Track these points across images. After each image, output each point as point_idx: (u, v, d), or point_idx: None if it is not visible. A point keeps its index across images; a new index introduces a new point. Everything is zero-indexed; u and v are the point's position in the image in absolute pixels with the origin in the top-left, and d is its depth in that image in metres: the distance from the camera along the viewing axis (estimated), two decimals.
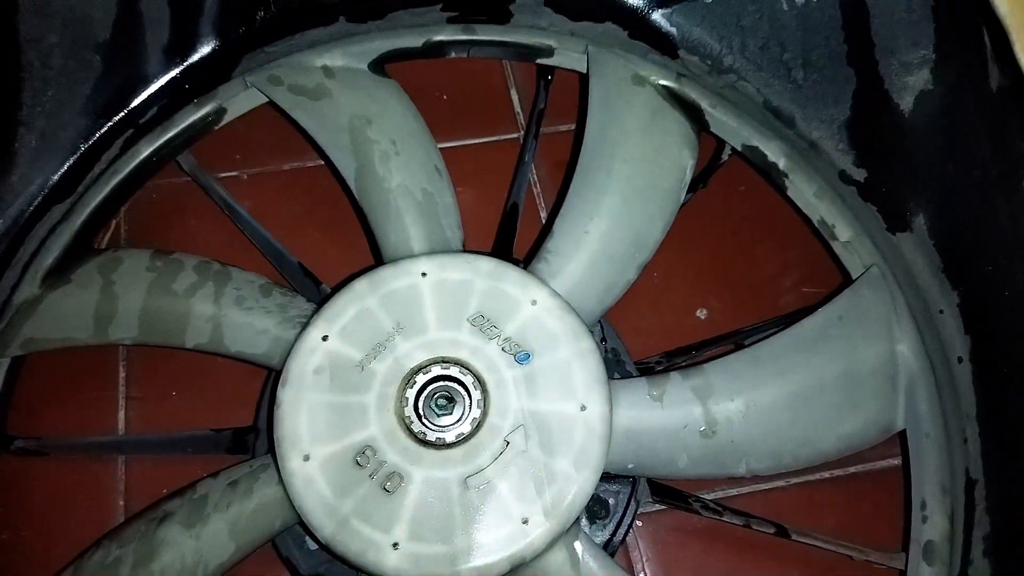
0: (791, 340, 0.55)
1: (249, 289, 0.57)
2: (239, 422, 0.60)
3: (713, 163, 0.68)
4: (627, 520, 0.56)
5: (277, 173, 0.74)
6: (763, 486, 0.61)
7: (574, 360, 0.51)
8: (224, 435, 0.59)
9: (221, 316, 0.56)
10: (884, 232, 0.57)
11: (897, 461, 0.60)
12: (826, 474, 0.61)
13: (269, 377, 0.58)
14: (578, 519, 0.49)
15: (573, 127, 0.74)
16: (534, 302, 0.52)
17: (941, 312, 0.54)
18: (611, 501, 0.56)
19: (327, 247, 0.69)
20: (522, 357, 0.51)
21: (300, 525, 0.50)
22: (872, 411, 0.54)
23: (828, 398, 0.53)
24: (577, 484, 0.48)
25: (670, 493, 0.58)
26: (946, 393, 0.54)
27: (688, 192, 0.62)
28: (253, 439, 0.58)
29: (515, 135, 0.76)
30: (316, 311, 0.53)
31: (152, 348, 0.64)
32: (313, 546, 0.54)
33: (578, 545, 0.49)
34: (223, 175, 0.71)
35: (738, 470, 0.53)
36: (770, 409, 0.53)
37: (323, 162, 0.72)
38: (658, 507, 0.60)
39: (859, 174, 0.58)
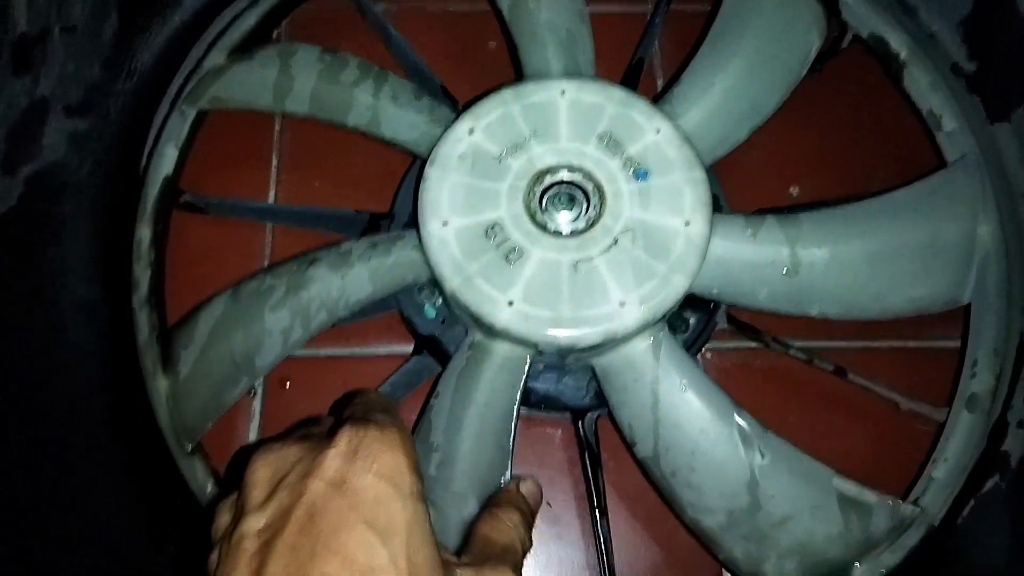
0: (883, 204, 0.60)
1: (403, 90, 0.65)
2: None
3: (831, 51, 0.72)
4: (702, 339, 0.63)
5: (421, 12, 0.80)
6: (825, 344, 0.67)
7: (685, 185, 0.57)
8: (362, 217, 0.67)
9: (379, 106, 0.64)
10: (983, 122, 0.61)
11: (955, 343, 0.65)
12: (885, 344, 0.67)
13: (411, 166, 0.66)
14: (665, 317, 0.56)
15: (699, 8, 0.78)
16: (658, 131, 0.59)
17: (1023, 197, 0.58)
18: (691, 320, 0.63)
19: (461, 86, 0.73)
20: (640, 174, 0.57)
21: (430, 281, 0.58)
22: (944, 281, 0.59)
23: (906, 261, 0.59)
24: (671, 284, 0.54)
25: (744, 327, 0.65)
26: (1016, 274, 0.59)
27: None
28: (388, 223, 0.66)
29: (643, 9, 0.80)
30: (465, 108, 0.60)
31: (303, 142, 0.73)
32: (431, 314, 0.63)
33: (662, 337, 0.56)
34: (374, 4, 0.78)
35: (811, 311, 0.59)
36: (852, 262, 0.58)
37: (464, 8, 0.78)
38: (729, 344, 0.67)
39: (969, 67, 0.62)
